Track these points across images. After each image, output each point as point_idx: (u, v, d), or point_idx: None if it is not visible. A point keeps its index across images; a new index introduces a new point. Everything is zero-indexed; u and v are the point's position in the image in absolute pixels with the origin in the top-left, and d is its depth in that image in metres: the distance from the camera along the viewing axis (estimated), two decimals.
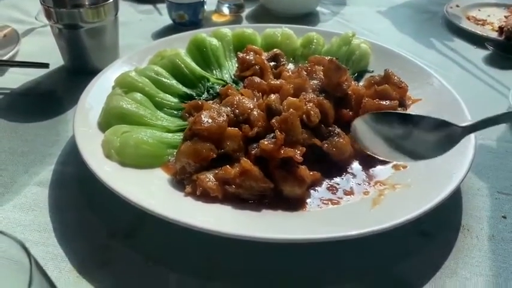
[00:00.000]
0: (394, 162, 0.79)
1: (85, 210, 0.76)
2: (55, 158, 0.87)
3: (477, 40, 1.36)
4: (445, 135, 0.59)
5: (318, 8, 1.57)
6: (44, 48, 1.22)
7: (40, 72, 1.13)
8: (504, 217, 0.77)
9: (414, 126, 0.60)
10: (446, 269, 0.68)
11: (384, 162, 0.79)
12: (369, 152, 0.67)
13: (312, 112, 0.80)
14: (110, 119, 0.84)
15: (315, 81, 0.89)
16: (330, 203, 0.73)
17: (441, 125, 0.60)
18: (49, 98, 1.06)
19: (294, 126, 0.76)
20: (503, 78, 1.18)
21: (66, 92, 1.07)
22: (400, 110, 0.88)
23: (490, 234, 0.74)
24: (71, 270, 0.66)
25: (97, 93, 0.91)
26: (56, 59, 1.14)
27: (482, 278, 0.67)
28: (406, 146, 0.61)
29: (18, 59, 1.19)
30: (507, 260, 0.70)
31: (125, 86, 0.92)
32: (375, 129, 0.61)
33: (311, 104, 0.81)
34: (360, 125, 0.61)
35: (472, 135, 0.79)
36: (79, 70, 1.12)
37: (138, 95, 0.89)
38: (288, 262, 0.68)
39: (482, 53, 1.31)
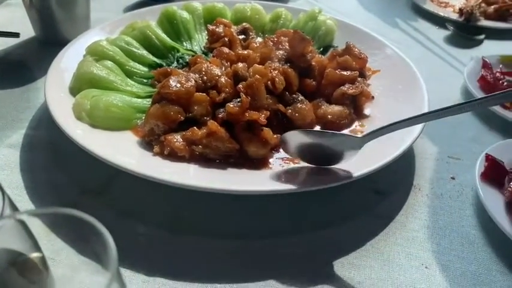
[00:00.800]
0: (352, 128, 0.86)
1: (56, 170, 0.78)
2: (26, 123, 0.88)
3: (439, 21, 1.43)
4: (351, 143, 0.69)
5: None
6: (14, 19, 1.22)
7: (10, 42, 1.13)
8: (453, 178, 0.83)
9: (328, 139, 0.70)
10: (397, 223, 0.73)
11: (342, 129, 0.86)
12: (295, 160, 0.77)
13: (276, 79, 0.84)
14: (81, 84, 0.86)
15: (281, 52, 0.93)
16: (291, 162, 0.77)
17: (347, 137, 0.75)
18: (20, 67, 1.07)
19: (259, 91, 0.80)
20: (460, 56, 1.25)
21: (37, 62, 1.07)
22: (360, 80, 0.93)
23: (439, 193, 0.80)
24: None
25: (69, 61, 0.92)
26: (27, 31, 1.14)
27: (429, 230, 0.73)
28: (325, 156, 0.72)
29: None
30: (453, 215, 0.76)
31: (96, 54, 0.94)
32: (301, 142, 0.72)
33: (276, 72, 0.85)
34: (289, 138, 0.72)
35: (426, 104, 0.86)
36: (50, 41, 1.13)
37: (109, 63, 0.91)
38: (253, 216, 0.72)
39: (444, 33, 1.38)
